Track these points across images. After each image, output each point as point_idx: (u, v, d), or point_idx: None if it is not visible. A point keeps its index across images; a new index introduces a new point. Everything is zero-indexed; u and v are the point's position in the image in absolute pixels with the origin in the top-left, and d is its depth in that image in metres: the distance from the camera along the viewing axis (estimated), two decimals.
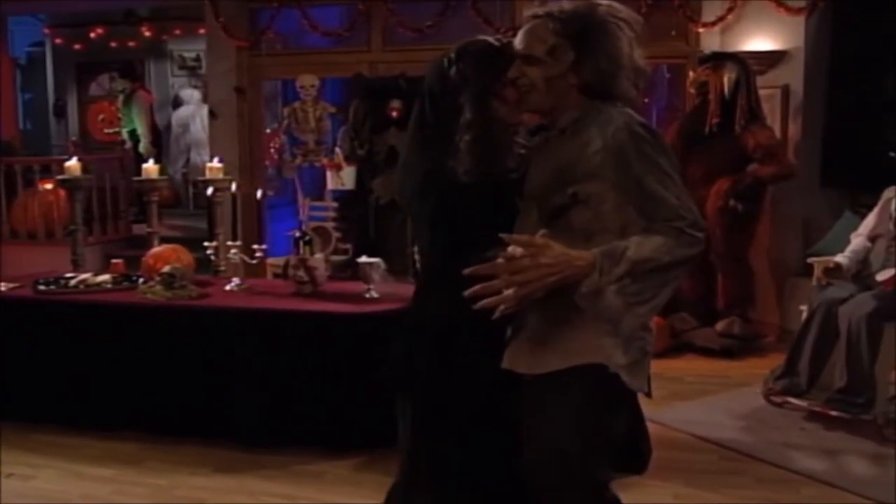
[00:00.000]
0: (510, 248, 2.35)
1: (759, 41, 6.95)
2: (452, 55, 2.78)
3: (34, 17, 12.57)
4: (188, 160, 11.96)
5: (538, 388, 2.54)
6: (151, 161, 6.28)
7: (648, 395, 4.65)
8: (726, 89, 6.43)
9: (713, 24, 7.01)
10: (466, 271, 2.34)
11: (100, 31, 12.26)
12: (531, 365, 2.55)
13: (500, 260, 2.34)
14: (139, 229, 10.13)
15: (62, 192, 9.63)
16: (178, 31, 12.25)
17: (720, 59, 6.58)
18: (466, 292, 2.34)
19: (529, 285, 2.33)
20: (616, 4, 2.53)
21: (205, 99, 11.32)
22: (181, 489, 4.46)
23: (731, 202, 6.45)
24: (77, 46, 12.62)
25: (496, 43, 2.75)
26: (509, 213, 2.64)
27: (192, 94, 11.94)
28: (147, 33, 12.19)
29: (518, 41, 2.59)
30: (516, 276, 2.32)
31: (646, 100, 8.00)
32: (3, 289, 5.51)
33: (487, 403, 2.70)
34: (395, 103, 7.14)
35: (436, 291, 2.79)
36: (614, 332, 2.43)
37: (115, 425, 5.17)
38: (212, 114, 8.70)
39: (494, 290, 2.33)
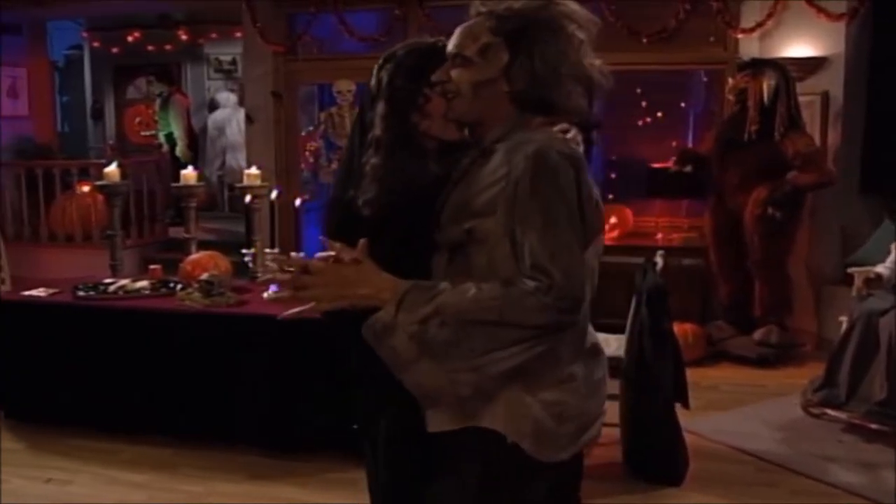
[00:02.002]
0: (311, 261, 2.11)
1: (798, 47, 6.89)
2: (381, 60, 2.46)
3: (72, 20, 12.68)
4: (224, 163, 12.03)
5: (439, 448, 2.22)
6: (190, 167, 6.29)
7: (686, 406, 4.69)
8: (765, 96, 6.38)
9: (752, 29, 6.95)
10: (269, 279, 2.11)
11: (137, 34, 12.34)
12: (429, 419, 2.20)
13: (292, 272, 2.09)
14: (175, 232, 10.20)
15: (99, 195, 9.73)
16: (214, 35, 12.33)
17: (759, 65, 6.52)
18: (265, 295, 2.06)
19: (321, 305, 2.08)
20: (571, 4, 2.20)
21: (240, 102, 11.38)
22: (215, 496, 4.48)
23: (770, 210, 6.40)
24: (114, 50, 12.72)
25: (437, 45, 2.36)
26: (425, 252, 2.24)
27: (227, 98, 12.00)
28: (183, 37, 12.26)
29: (451, 40, 2.24)
30: (304, 292, 2.07)
31: (682, 104, 7.95)
32: (42, 294, 5.56)
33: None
34: None
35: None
36: (525, 394, 2.10)
37: (149, 430, 5.20)
38: (248, 118, 8.73)
39: (287, 299, 2.10)
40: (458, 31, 2.22)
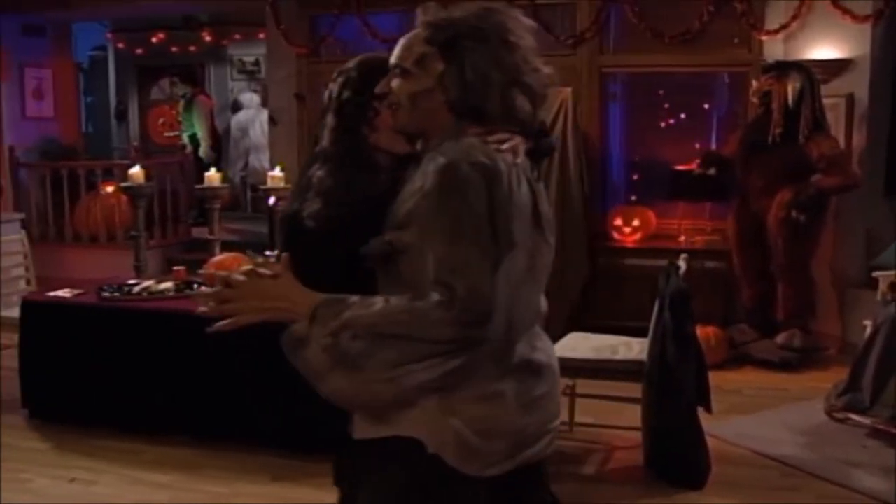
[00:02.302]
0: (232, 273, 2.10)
1: (823, 49, 6.85)
2: (335, 74, 2.48)
3: (97, 22, 12.76)
4: (247, 163, 12.09)
5: (361, 456, 2.23)
6: (213, 169, 6.33)
7: (708, 409, 4.68)
8: (790, 99, 6.35)
9: (776, 31, 6.92)
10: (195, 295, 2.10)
11: (161, 36, 12.41)
12: (355, 426, 2.23)
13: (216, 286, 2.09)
14: (199, 232, 10.25)
15: (123, 196, 9.80)
16: (237, 36, 12.38)
17: (784, 68, 6.49)
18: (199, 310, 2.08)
19: (240, 318, 2.06)
20: (510, 13, 2.17)
21: (264, 103, 11.42)
22: (240, 497, 4.50)
23: (794, 213, 6.37)
24: (138, 51, 12.79)
25: (388, 59, 2.31)
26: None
27: (251, 99, 12.05)
28: (207, 38, 12.32)
29: (394, 51, 2.24)
30: (225, 305, 2.07)
31: (706, 106, 7.92)
32: (67, 295, 5.60)
33: None
34: None
35: None
36: (446, 407, 2.08)
37: (171, 431, 5.22)
38: (272, 120, 8.77)
39: (211, 314, 2.07)
40: (399, 43, 2.22)
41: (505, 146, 2.13)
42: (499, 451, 2.14)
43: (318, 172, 2.37)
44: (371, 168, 2.36)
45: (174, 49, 12.53)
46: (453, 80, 2.12)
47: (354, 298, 2.05)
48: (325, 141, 2.41)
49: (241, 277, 2.08)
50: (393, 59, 2.22)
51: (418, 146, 2.26)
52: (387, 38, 7.81)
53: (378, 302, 2.03)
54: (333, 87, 2.45)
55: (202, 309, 2.10)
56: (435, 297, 1.97)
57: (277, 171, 5.72)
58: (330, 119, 2.42)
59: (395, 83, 2.21)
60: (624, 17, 7.35)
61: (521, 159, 2.16)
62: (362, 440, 2.19)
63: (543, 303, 2.30)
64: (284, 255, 2.13)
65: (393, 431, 2.13)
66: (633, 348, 4.96)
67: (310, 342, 2.05)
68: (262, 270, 2.09)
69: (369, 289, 2.12)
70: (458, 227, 2.00)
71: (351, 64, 2.48)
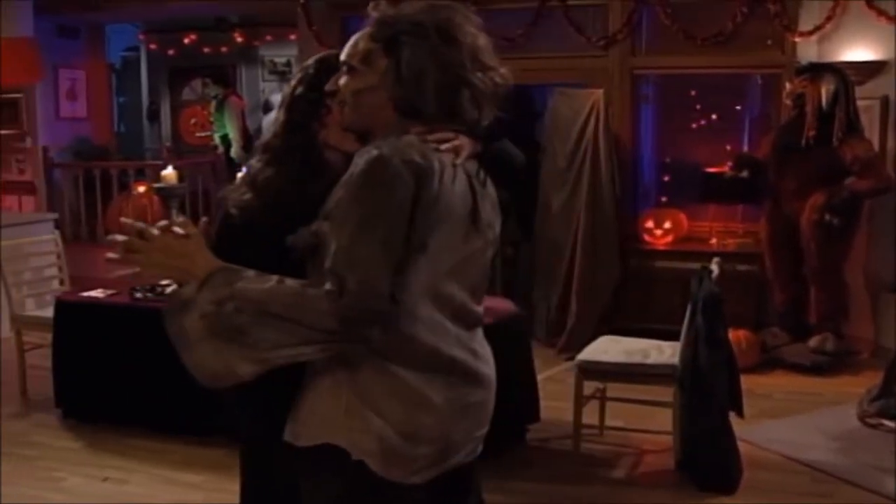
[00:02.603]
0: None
1: (857, 51, 6.79)
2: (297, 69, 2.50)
3: (130, 23, 12.84)
4: None
5: (297, 463, 2.19)
6: (245, 169, 6.34)
7: (740, 414, 4.65)
8: (824, 101, 6.31)
9: (810, 33, 6.86)
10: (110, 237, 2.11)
11: (192, 37, 12.47)
12: (289, 432, 2.19)
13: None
14: None
15: (155, 196, 9.85)
16: (269, 37, 12.40)
17: (818, 70, 6.45)
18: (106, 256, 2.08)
19: (145, 268, 2.10)
20: (459, 8, 2.14)
21: None
22: None
23: (827, 216, 6.32)
24: (170, 52, 12.85)
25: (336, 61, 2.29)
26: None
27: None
28: (238, 39, 12.36)
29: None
30: (132, 255, 2.06)
31: (737, 107, 7.87)
32: (100, 295, 5.64)
33: None
34: None
35: None
36: (369, 411, 2.06)
37: (202, 431, 5.24)
38: None
39: (117, 260, 2.09)
40: (350, 40, 2.20)
41: (445, 146, 2.10)
42: (424, 456, 2.12)
43: (255, 164, 2.41)
44: (318, 164, 2.36)
45: (206, 50, 12.57)
46: (391, 76, 2.10)
47: (251, 272, 2.03)
48: (267, 134, 2.44)
49: (155, 232, 2.08)
50: (342, 56, 2.20)
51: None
52: None
53: (272, 280, 1.99)
54: (292, 84, 2.47)
55: (109, 255, 2.10)
56: (327, 286, 1.94)
57: None
58: (280, 114, 2.43)
59: (342, 80, 2.19)
60: (656, 19, 7.32)
61: (461, 160, 2.12)
62: (297, 447, 2.16)
63: (478, 308, 2.27)
64: (203, 219, 2.16)
65: (322, 439, 2.11)
66: (664, 352, 4.94)
67: (193, 307, 2.02)
68: (175, 229, 2.09)
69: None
70: (370, 220, 1.97)
71: (310, 61, 2.49)
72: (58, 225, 8.59)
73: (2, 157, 10.13)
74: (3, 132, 10.01)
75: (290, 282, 1.98)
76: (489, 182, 2.24)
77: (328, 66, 2.36)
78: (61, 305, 5.73)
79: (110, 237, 2.11)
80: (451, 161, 2.10)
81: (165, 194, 6.21)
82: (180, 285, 2.10)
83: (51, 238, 6.96)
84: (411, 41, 2.08)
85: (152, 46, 13.04)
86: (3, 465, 5.02)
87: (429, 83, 2.08)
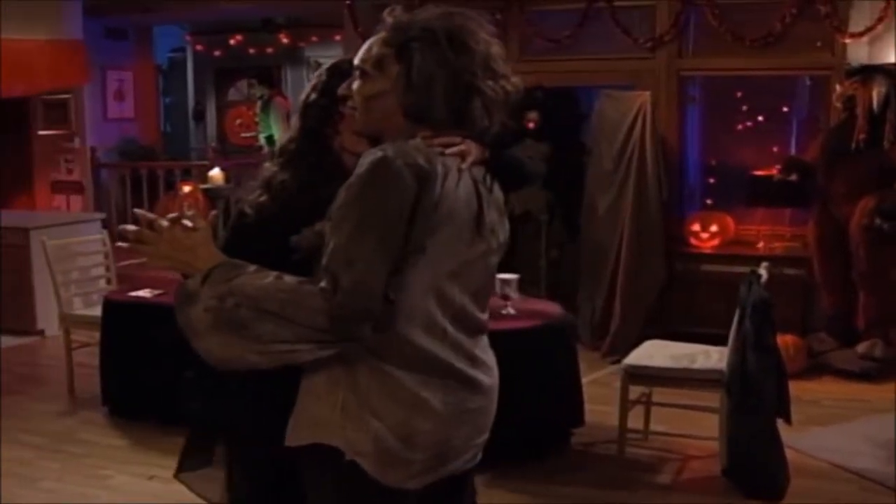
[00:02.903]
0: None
1: None
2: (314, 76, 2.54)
3: (176, 24, 12.96)
4: None
5: (298, 462, 2.19)
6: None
7: (788, 420, 4.59)
8: (875, 104, 6.23)
9: (861, 34, 6.76)
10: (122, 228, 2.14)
11: (239, 38, 12.57)
12: (288, 432, 2.20)
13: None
14: None
15: (201, 196, 9.92)
16: (314, 38, 12.47)
17: (869, 72, 6.36)
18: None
19: (152, 259, 2.11)
20: (473, 16, 2.15)
21: None
22: None
23: (877, 220, 6.23)
24: (216, 53, 12.96)
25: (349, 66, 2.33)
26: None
27: None
28: (284, 40, 12.43)
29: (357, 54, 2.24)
30: (141, 246, 2.09)
31: (784, 109, 7.78)
32: (147, 295, 5.69)
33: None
34: (532, 114, 7.11)
35: None
36: (365, 412, 2.06)
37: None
38: None
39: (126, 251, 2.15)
40: (363, 45, 2.22)
41: (451, 150, 2.11)
42: (420, 460, 2.11)
43: (269, 166, 2.46)
44: (333, 169, 2.37)
45: (251, 51, 12.67)
46: (402, 81, 2.11)
47: (252, 268, 2.05)
48: (284, 138, 2.49)
49: (165, 223, 2.10)
50: (356, 61, 2.21)
51: None
52: None
53: (270, 276, 2.01)
54: (309, 89, 2.50)
55: (119, 244, 2.14)
56: (322, 283, 1.96)
57: None
58: (294, 120, 2.49)
59: (355, 85, 2.21)
60: (703, 20, 7.25)
61: (468, 164, 2.13)
62: (294, 447, 2.17)
63: (481, 314, 2.26)
64: (212, 213, 2.20)
65: (317, 438, 2.11)
66: (711, 357, 4.90)
67: (197, 300, 2.04)
68: (185, 221, 2.10)
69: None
70: (369, 220, 1.99)
71: (323, 68, 2.53)
72: (105, 224, 8.69)
73: (51, 157, 10.26)
74: (52, 132, 10.14)
75: (287, 278, 2.01)
76: (496, 188, 2.24)
77: (341, 73, 2.39)
78: (109, 305, 5.79)
79: (123, 227, 2.14)
80: (457, 165, 2.11)
81: (212, 195, 6.25)
82: (185, 277, 2.11)
83: (98, 238, 7.04)
84: (422, 47, 2.09)
85: (199, 47, 13.16)
86: (52, 463, 5.11)
87: (438, 89, 2.09)
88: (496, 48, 2.17)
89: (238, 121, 12.95)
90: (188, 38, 13.23)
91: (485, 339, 2.29)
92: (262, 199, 2.43)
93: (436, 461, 2.14)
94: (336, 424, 2.08)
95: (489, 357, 2.29)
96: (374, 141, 2.21)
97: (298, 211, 2.27)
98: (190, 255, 2.09)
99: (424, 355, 2.10)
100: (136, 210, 2.17)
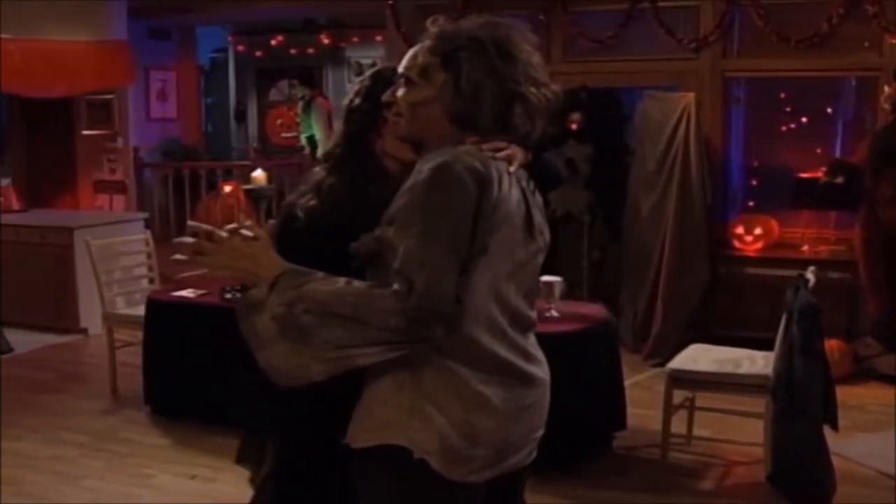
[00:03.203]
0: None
1: None
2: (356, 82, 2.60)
3: (219, 25, 13.03)
4: None
5: (356, 465, 2.23)
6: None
7: (835, 427, 4.53)
8: None
9: None
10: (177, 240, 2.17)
11: (280, 38, 12.62)
12: (350, 434, 2.23)
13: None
14: None
15: (243, 196, 9.96)
16: (355, 39, 12.50)
17: None
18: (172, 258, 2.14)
19: (213, 270, 2.15)
20: (515, 25, 2.23)
21: None
22: None
23: None
24: (258, 53, 13.02)
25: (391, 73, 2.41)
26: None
27: None
28: (325, 41, 12.47)
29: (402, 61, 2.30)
30: (201, 257, 2.12)
31: (829, 110, 7.69)
32: (191, 295, 5.71)
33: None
34: (575, 115, 7.07)
35: None
36: (431, 411, 2.11)
37: None
38: None
39: (184, 263, 2.17)
40: (408, 52, 2.27)
41: (500, 154, 2.17)
42: (482, 456, 2.17)
43: (318, 171, 2.52)
44: (377, 173, 2.46)
45: (293, 51, 12.71)
46: (449, 90, 2.17)
47: (320, 274, 2.09)
48: (330, 143, 2.55)
49: (224, 234, 2.13)
50: (400, 69, 2.27)
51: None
52: None
53: (339, 281, 2.06)
54: (352, 95, 2.57)
55: (176, 256, 2.16)
56: (394, 286, 2.00)
57: None
58: (338, 125, 2.56)
59: (399, 92, 2.27)
60: (748, 20, 7.17)
61: (515, 168, 2.20)
62: (358, 448, 2.20)
63: (531, 312, 2.32)
64: (270, 221, 2.23)
65: (384, 439, 2.15)
66: (756, 362, 4.85)
67: (263, 308, 2.08)
68: (243, 231, 2.14)
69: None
70: (436, 224, 2.04)
71: (367, 74, 2.60)
72: (148, 224, 8.76)
73: (94, 157, 10.35)
74: (95, 132, 10.23)
75: (357, 283, 2.06)
76: (536, 190, 2.32)
77: (384, 79, 2.46)
78: (152, 304, 5.82)
79: (178, 240, 2.17)
80: (506, 169, 2.17)
81: (255, 195, 6.25)
82: (246, 287, 2.15)
83: (142, 237, 7.08)
84: (469, 56, 2.15)
85: (240, 48, 13.23)
86: (96, 462, 5.14)
87: (485, 97, 2.16)
88: (536, 57, 2.24)
89: (279, 121, 12.99)
90: (230, 38, 13.30)
91: (533, 336, 2.34)
92: (312, 202, 2.48)
93: (497, 457, 2.20)
94: (402, 425, 2.13)
95: (539, 353, 2.35)
96: (417, 146, 2.29)
97: (346, 215, 2.35)
98: (251, 264, 2.12)
99: (487, 354, 2.16)
100: (191, 222, 2.20)
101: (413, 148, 2.31)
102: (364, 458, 2.19)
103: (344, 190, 2.46)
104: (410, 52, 2.25)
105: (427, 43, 2.22)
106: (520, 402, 2.22)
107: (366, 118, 2.49)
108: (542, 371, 2.33)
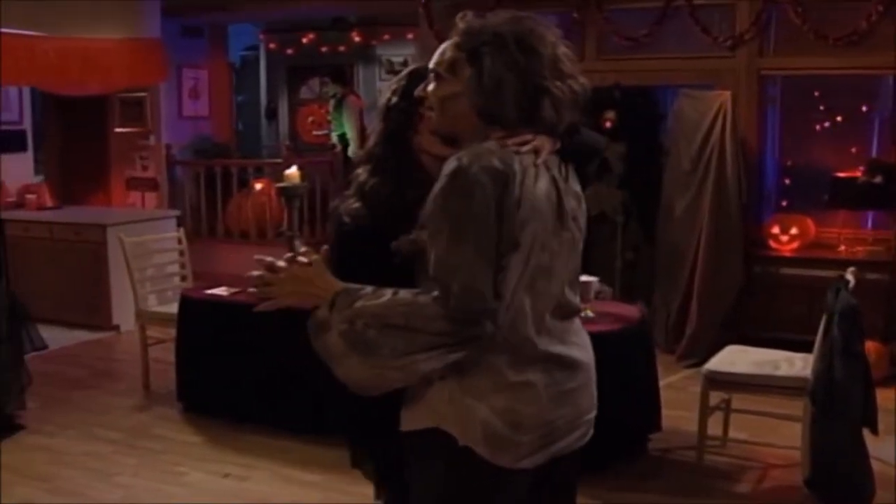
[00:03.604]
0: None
1: None
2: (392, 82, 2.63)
3: (251, 24, 13.04)
4: None
5: (407, 447, 2.33)
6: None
7: (874, 430, 4.46)
8: None
9: None
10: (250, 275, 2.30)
11: (311, 36, 12.60)
12: (402, 418, 2.32)
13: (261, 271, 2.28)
14: None
15: (273, 193, 9.98)
16: (386, 36, 12.46)
17: None
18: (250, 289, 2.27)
19: (276, 301, 2.28)
20: (541, 22, 2.26)
21: None
22: None
23: None
24: (289, 51, 13.01)
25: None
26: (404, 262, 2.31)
27: None
28: (356, 38, 12.44)
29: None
30: (268, 288, 2.28)
31: (864, 108, 7.59)
32: (224, 293, 5.71)
33: None
34: (610, 114, 7.03)
35: None
36: (472, 402, 2.18)
37: (319, 430, 5.25)
38: None
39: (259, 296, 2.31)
40: (438, 49, 2.32)
41: (526, 148, 2.20)
42: (529, 442, 2.22)
43: (360, 173, 2.54)
44: (413, 169, 2.48)
45: (324, 49, 12.69)
46: (473, 85, 2.21)
47: (368, 289, 2.17)
48: (370, 143, 2.56)
49: (283, 264, 2.26)
50: (430, 64, 2.33)
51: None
52: None
53: (386, 294, 2.14)
54: (389, 95, 2.59)
55: (251, 289, 2.35)
56: (434, 292, 2.09)
57: None
58: (377, 124, 2.57)
59: (430, 87, 2.33)
60: (785, 18, 7.08)
61: (543, 158, 2.22)
62: (406, 431, 2.30)
63: (575, 298, 2.37)
64: (325, 246, 2.32)
65: (430, 423, 2.23)
66: (794, 364, 4.78)
67: (329, 327, 2.18)
68: (299, 259, 2.26)
69: (405, 283, 2.20)
70: (460, 227, 2.10)
71: (404, 72, 2.62)
72: (180, 222, 8.78)
73: (127, 155, 10.40)
74: (128, 130, 10.27)
75: (402, 292, 2.15)
76: (571, 176, 2.34)
77: (420, 77, 2.48)
78: (186, 301, 5.82)
79: (251, 274, 2.30)
80: (533, 161, 2.20)
81: (288, 194, 6.24)
82: (312, 309, 2.24)
83: (174, 235, 7.10)
84: (491, 51, 2.19)
85: (271, 46, 13.23)
86: (129, 459, 5.15)
87: (507, 91, 2.20)
88: (563, 49, 2.27)
89: (310, 119, 12.98)
90: (261, 36, 13.30)
91: (577, 321, 2.41)
92: (357, 205, 2.52)
93: (543, 441, 2.25)
94: (446, 412, 2.21)
95: (583, 337, 2.41)
96: (449, 140, 2.34)
97: (390, 215, 2.41)
98: (313, 288, 2.23)
99: (526, 343, 2.21)
100: (257, 256, 2.30)
101: (445, 142, 2.36)
102: (414, 440, 2.28)
103: (385, 191, 2.49)
104: (440, 48, 2.31)
105: (455, 38, 2.27)
106: (562, 387, 2.27)
107: (403, 116, 2.51)
108: (584, 355, 2.38)
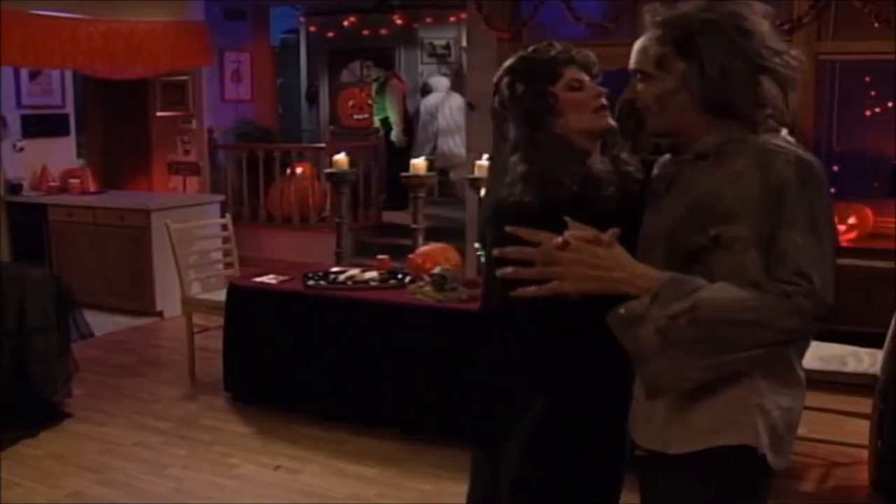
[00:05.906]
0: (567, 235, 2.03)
1: None
2: (496, 78, 2.53)
3: (292, 6, 12.97)
4: (435, 147, 11.97)
5: (669, 470, 2.18)
6: (422, 159, 6.24)
7: None
8: None
9: None
10: (507, 251, 2.05)
11: (352, 19, 12.47)
12: (666, 440, 2.17)
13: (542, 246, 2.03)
14: (388, 216, 10.27)
15: (315, 178, 9.92)
16: (428, 19, 12.31)
17: None
18: (499, 272, 2.04)
19: (565, 284, 2.01)
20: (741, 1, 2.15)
21: (453, 87, 11.35)
22: (445, 496, 4.38)
23: None
24: (330, 34, 12.89)
25: (538, 50, 2.47)
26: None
27: (440, 82, 11.96)
28: (398, 21, 12.32)
29: (631, 56, 2.25)
30: (552, 267, 2.01)
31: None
32: (273, 281, 5.62)
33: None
34: None
35: (496, 335, 2.55)
36: (766, 402, 2.09)
37: (373, 422, 5.19)
38: (470, 105, 8.63)
39: (530, 276, 2.02)
40: (634, 48, 2.22)
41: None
42: (792, 440, 2.17)
43: (512, 160, 2.41)
44: (567, 150, 2.39)
45: (365, 32, 12.56)
46: (695, 77, 2.11)
47: (701, 281, 2.01)
48: (512, 133, 2.44)
49: (581, 242, 2.03)
50: (632, 65, 2.23)
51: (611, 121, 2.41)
52: (591, 23, 7.60)
53: (730, 288, 1.99)
54: (503, 86, 2.47)
55: (506, 270, 2.05)
56: (788, 287, 1.96)
57: (485, 160, 5.53)
58: (512, 114, 2.45)
59: (639, 87, 2.22)
60: (845, 1, 6.89)
61: None
62: (672, 454, 2.15)
63: None
64: (613, 229, 2.06)
65: (708, 444, 2.11)
66: (862, 360, 4.63)
67: (645, 321, 1.99)
68: (602, 237, 2.04)
69: None
70: (817, 219, 2.02)
71: (508, 64, 2.51)
72: (224, 207, 8.73)
73: (169, 138, 10.37)
74: (170, 114, 10.23)
75: (739, 289, 1.99)
76: None
77: (532, 60, 2.46)
78: (234, 290, 5.75)
79: (502, 272, 2.06)
80: None
81: (337, 180, 6.17)
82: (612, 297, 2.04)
83: (220, 221, 7.03)
84: (707, 39, 2.09)
85: (312, 29, 13.13)
86: (180, 450, 5.08)
87: (737, 78, 2.09)
88: (767, 25, 2.16)
89: (351, 102, 12.86)
90: (302, 19, 13.21)
91: None
92: (525, 191, 2.37)
93: (793, 440, 2.20)
94: (739, 424, 2.09)
95: None
96: (670, 137, 2.26)
97: (560, 196, 2.30)
98: (623, 273, 2.03)
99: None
100: (509, 228, 2.08)
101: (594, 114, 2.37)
102: (683, 463, 2.14)
103: (541, 176, 2.35)
104: (637, 47, 2.21)
105: (654, 33, 2.16)
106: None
107: (536, 100, 2.41)
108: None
